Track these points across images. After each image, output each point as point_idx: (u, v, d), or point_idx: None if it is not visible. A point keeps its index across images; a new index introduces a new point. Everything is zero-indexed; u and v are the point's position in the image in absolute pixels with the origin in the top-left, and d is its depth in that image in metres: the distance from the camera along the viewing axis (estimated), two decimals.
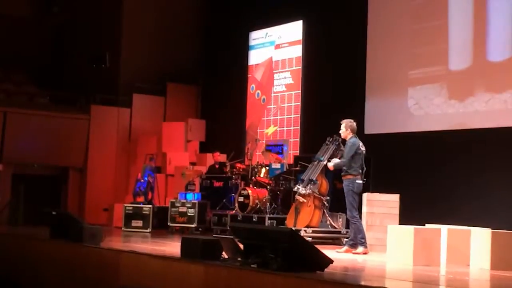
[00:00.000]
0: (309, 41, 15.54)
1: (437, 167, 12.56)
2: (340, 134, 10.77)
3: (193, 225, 14.00)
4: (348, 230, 12.20)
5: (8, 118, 16.54)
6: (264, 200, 13.19)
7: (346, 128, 10.57)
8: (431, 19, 12.96)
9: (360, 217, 10.65)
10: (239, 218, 13.19)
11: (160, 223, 14.49)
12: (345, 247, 10.44)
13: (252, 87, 16.99)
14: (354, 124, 10.63)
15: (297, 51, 15.80)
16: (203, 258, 7.58)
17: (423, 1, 13.20)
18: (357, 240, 10.31)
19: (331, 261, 7.11)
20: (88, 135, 17.41)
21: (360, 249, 10.17)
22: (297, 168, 13.23)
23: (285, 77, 16.07)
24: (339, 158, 10.75)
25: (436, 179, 12.48)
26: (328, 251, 9.01)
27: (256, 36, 17.06)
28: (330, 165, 10.72)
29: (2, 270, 10.47)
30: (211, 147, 16.75)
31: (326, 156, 11.48)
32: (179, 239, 8.71)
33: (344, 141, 10.90)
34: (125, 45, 18.16)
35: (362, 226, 10.43)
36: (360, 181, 10.39)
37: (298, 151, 15.26)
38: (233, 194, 14.05)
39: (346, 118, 10.68)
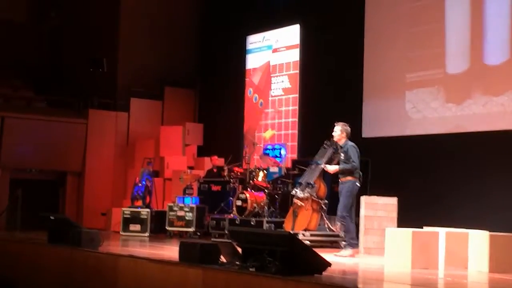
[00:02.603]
0: (307, 45, 15.55)
1: (434, 170, 12.57)
2: (335, 137, 10.61)
3: (191, 229, 14.00)
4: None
5: (5, 122, 16.55)
6: (262, 203, 13.19)
7: (342, 131, 10.50)
8: (428, 22, 12.98)
9: (351, 219, 10.56)
10: (237, 222, 13.18)
11: (158, 227, 14.49)
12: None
13: (249, 91, 17.00)
14: (349, 127, 10.59)
15: (295, 55, 15.81)
16: (201, 262, 7.58)
17: (420, 5, 13.23)
18: (349, 241, 10.31)
19: (329, 265, 7.12)
20: (86, 139, 17.41)
21: (348, 251, 10.09)
22: (295, 172, 13.23)
23: (282, 81, 16.08)
24: (336, 163, 10.72)
25: (433, 182, 12.49)
26: (326, 255, 9.01)
27: (254, 40, 17.07)
28: (333, 168, 10.61)
29: (0, 275, 10.46)
30: (209, 151, 16.75)
31: (324, 160, 11.46)
32: (177, 243, 8.71)
33: (342, 145, 10.78)
34: (122, 49, 18.19)
35: (352, 227, 10.39)
36: (359, 185, 10.41)
37: (296, 155, 15.27)
38: (231, 198, 14.05)
39: (340, 121, 10.62)
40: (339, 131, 10.51)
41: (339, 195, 10.46)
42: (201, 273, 7.39)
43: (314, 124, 14.91)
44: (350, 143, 10.48)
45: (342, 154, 10.49)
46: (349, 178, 10.35)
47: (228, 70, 17.68)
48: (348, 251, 10.14)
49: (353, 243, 10.30)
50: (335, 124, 10.60)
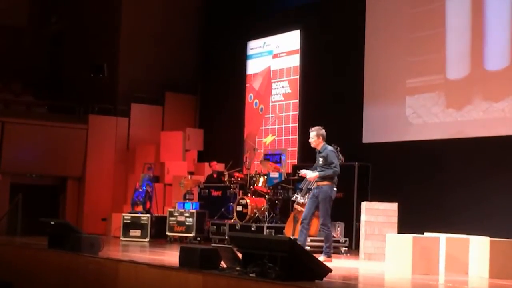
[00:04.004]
0: (307, 50, 15.57)
1: (435, 176, 12.57)
2: (311, 143, 10.23)
3: (191, 235, 14.00)
4: (347, 238, 12.25)
5: (6, 127, 16.55)
6: (262, 209, 13.19)
7: (317, 136, 10.15)
8: (429, 28, 13.00)
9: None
10: (237, 227, 13.18)
11: (158, 232, 14.48)
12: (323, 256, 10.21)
13: (250, 96, 17.01)
14: (324, 131, 10.27)
15: (295, 60, 15.82)
16: (201, 267, 7.57)
17: (420, 10, 13.24)
18: (325, 249, 10.14)
19: (329, 270, 7.11)
20: (86, 144, 17.42)
21: (321, 257, 9.79)
22: (295, 177, 13.22)
23: (283, 86, 16.09)
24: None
25: (434, 188, 12.49)
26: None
27: (254, 46, 17.09)
28: (313, 175, 10.13)
29: (0, 280, 10.45)
30: (209, 157, 16.75)
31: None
32: (177, 248, 8.70)
33: (320, 149, 10.44)
34: (123, 54, 18.20)
35: (331, 236, 10.29)
36: (336, 189, 10.25)
37: (296, 160, 15.27)
38: (231, 203, 14.05)
39: (315, 126, 10.40)
40: (315, 136, 10.18)
41: (317, 200, 10.11)
42: (201, 278, 7.37)
43: None
44: (329, 147, 10.17)
45: (321, 159, 10.14)
46: (326, 182, 10.07)
47: (229, 75, 17.69)
48: (321, 257, 9.87)
49: (330, 252, 10.16)
50: (310, 130, 10.31)
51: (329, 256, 10.08)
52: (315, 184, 10.21)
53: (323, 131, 10.23)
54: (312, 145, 10.30)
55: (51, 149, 16.96)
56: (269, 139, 16.33)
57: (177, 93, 18.60)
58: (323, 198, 10.07)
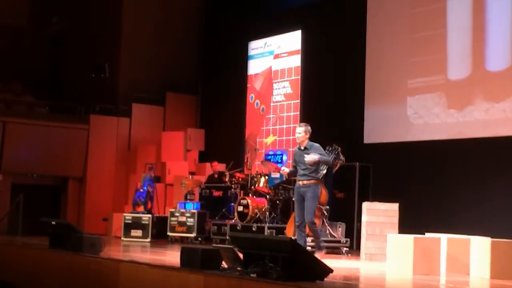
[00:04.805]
0: (308, 50, 15.56)
1: (436, 176, 12.57)
2: (299, 138, 10.33)
3: (192, 235, 14.00)
4: (348, 239, 12.24)
5: (7, 127, 16.56)
6: (263, 209, 13.19)
7: (306, 132, 10.26)
8: (430, 28, 12.99)
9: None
10: (238, 228, 13.19)
11: (160, 232, 14.50)
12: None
13: (251, 97, 17.00)
14: (310, 128, 10.35)
15: (296, 60, 15.82)
16: (202, 267, 7.57)
17: (422, 11, 13.23)
18: (318, 244, 10.21)
19: (331, 270, 7.10)
20: (87, 144, 17.43)
21: (317, 254, 9.88)
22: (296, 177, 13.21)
23: (284, 87, 16.09)
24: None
25: (435, 188, 12.49)
26: (328, 260, 9.00)
27: (255, 46, 17.09)
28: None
29: (1, 280, 10.46)
30: (211, 157, 16.75)
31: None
32: (178, 248, 8.70)
33: (307, 145, 10.44)
34: (124, 54, 18.21)
35: (318, 230, 10.42)
36: (320, 187, 10.28)
37: None
38: (232, 204, 14.06)
39: (302, 122, 10.39)
40: (303, 132, 10.26)
41: (304, 198, 10.17)
42: (203, 278, 7.37)
43: (315, 130, 14.78)
44: (315, 143, 10.27)
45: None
46: (313, 181, 10.14)
47: (230, 75, 17.69)
48: (320, 254, 9.93)
49: (323, 246, 10.21)
50: (298, 125, 10.36)
51: (322, 249, 10.12)
52: (304, 182, 10.19)
53: (309, 128, 10.34)
54: (298, 141, 10.36)
55: (52, 149, 16.97)
56: (270, 139, 16.32)
57: (178, 94, 18.61)
58: (312, 197, 10.09)
